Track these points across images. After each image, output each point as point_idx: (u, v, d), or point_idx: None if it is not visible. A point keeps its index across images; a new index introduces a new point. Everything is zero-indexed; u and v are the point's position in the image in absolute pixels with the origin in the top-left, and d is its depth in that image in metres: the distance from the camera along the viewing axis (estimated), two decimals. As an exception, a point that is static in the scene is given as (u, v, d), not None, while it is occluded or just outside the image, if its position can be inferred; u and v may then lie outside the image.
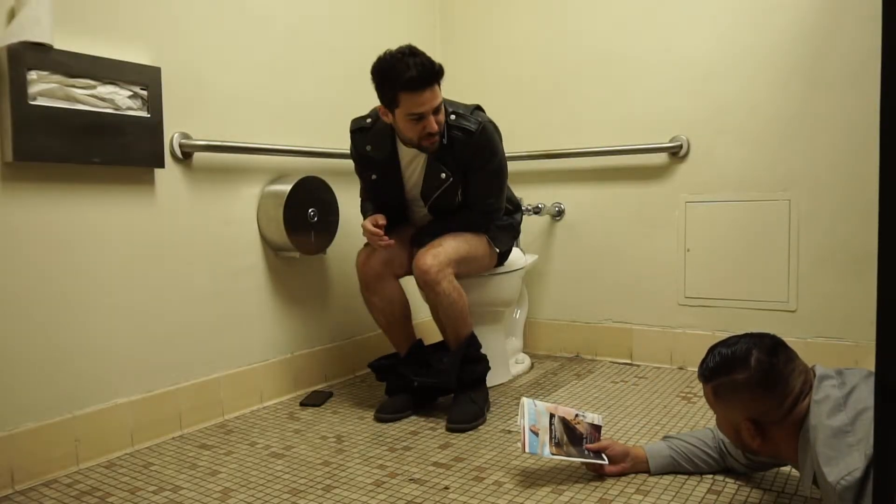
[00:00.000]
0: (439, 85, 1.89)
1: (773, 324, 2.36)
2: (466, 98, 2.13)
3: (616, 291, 2.70)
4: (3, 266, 1.57)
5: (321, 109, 2.42)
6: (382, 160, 2.05)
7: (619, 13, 2.63)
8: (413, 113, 1.87)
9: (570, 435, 1.55)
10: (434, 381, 2.01)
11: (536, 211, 2.75)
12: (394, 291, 2.10)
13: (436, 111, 1.89)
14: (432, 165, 2.01)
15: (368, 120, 2.07)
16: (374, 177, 2.09)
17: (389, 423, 1.99)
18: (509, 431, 1.90)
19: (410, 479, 1.58)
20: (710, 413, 1.38)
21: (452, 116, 1.97)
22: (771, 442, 1.26)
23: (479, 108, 2.06)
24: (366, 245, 2.09)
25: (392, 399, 2.08)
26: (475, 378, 2.03)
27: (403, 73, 1.81)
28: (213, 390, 2.04)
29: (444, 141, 1.97)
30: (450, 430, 1.91)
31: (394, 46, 1.89)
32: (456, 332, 2.02)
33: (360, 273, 2.08)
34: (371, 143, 2.06)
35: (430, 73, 1.84)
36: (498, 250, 2.16)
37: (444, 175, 2.00)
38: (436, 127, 1.90)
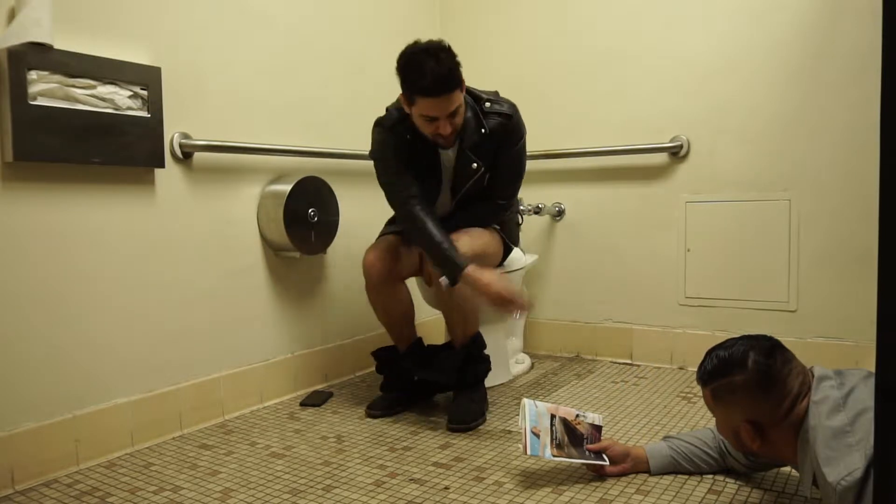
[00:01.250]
0: (461, 89, 1.84)
1: (773, 324, 2.36)
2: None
3: (616, 291, 2.70)
4: (3, 266, 1.57)
5: (321, 109, 2.42)
6: (423, 147, 1.96)
7: (619, 13, 2.63)
8: (427, 115, 1.84)
9: (571, 436, 1.55)
10: (435, 375, 2.01)
11: (536, 211, 2.74)
12: (400, 293, 2.08)
13: (452, 114, 1.84)
14: (463, 155, 1.97)
15: (397, 113, 1.97)
16: (424, 163, 1.97)
17: (382, 419, 1.99)
18: (509, 431, 1.89)
19: (410, 479, 1.58)
20: (711, 414, 1.38)
21: (487, 104, 1.95)
22: (770, 443, 1.26)
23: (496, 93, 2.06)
24: (373, 245, 2.06)
25: (385, 395, 2.08)
26: (476, 378, 2.03)
27: (419, 79, 1.77)
28: (213, 390, 2.04)
29: (485, 130, 1.95)
30: (450, 429, 1.91)
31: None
32: (464, 329, 2.01)
33: (366, 274, 2.04)
34: (411, 131, 1.95)
35: (446, 83, 1.78)
36: (512, 246, 2.16)
37: (475, 165, 1.97)
38: (448, 130, 1.86)
